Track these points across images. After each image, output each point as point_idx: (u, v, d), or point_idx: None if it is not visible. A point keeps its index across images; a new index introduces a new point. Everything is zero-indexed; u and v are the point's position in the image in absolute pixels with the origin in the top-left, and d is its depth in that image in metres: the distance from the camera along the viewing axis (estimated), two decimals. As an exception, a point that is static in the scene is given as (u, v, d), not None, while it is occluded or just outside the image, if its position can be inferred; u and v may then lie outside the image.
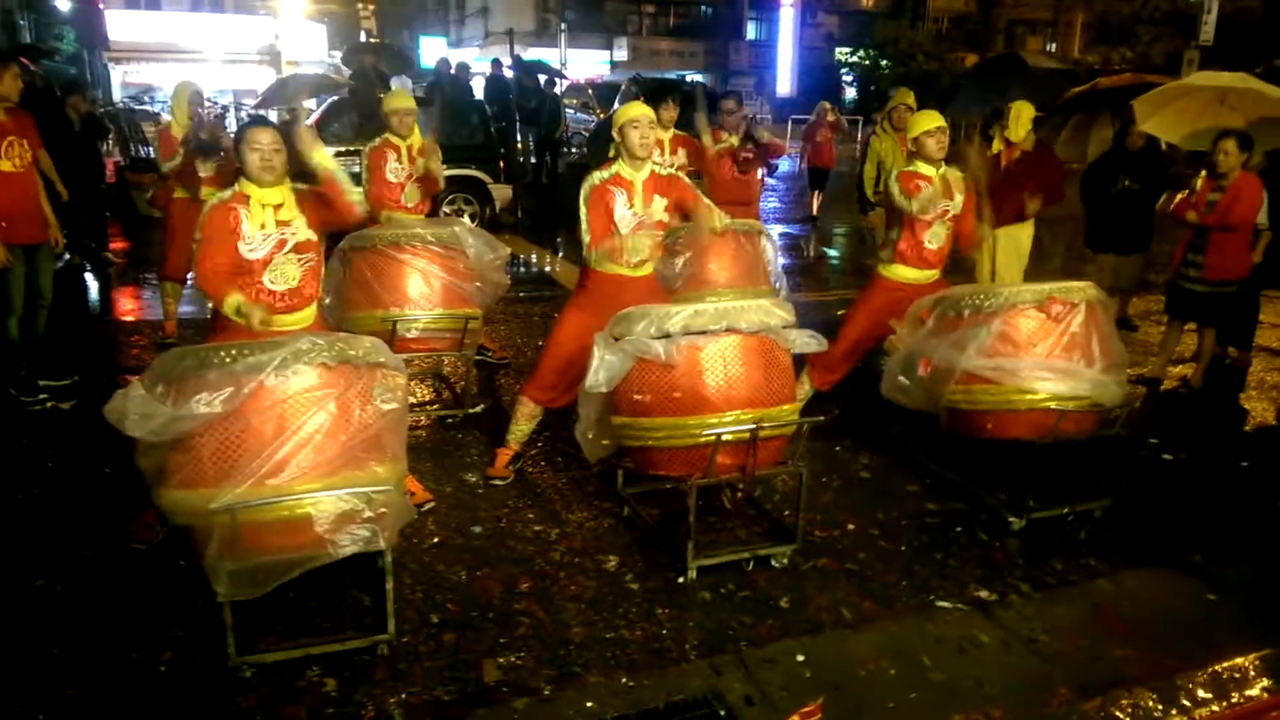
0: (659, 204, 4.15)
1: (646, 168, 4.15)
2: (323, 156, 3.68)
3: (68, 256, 8.38)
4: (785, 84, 35.38)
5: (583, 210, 4.07)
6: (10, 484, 4.27)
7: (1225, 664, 3.11)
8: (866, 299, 4.96)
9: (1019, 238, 6.58)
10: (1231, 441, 5.32)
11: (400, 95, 6.08)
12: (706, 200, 4.26)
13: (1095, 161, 7.41)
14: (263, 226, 3.58)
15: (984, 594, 3.54)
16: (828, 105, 14.65)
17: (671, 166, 4.81)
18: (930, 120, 4.66)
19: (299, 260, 3.66)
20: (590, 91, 23.52)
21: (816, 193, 13.87)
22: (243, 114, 20.20)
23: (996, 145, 6.49)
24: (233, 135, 4.24)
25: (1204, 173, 5.79)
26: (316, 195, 3.72)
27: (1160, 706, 2.87)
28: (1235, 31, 19.67)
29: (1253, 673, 3.06)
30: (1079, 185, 7.30)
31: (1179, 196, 5.87)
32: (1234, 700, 2.92)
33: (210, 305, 3.80)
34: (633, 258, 4.09)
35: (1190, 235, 5.88)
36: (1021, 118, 6.27)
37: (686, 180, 4.32)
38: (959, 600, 3.49)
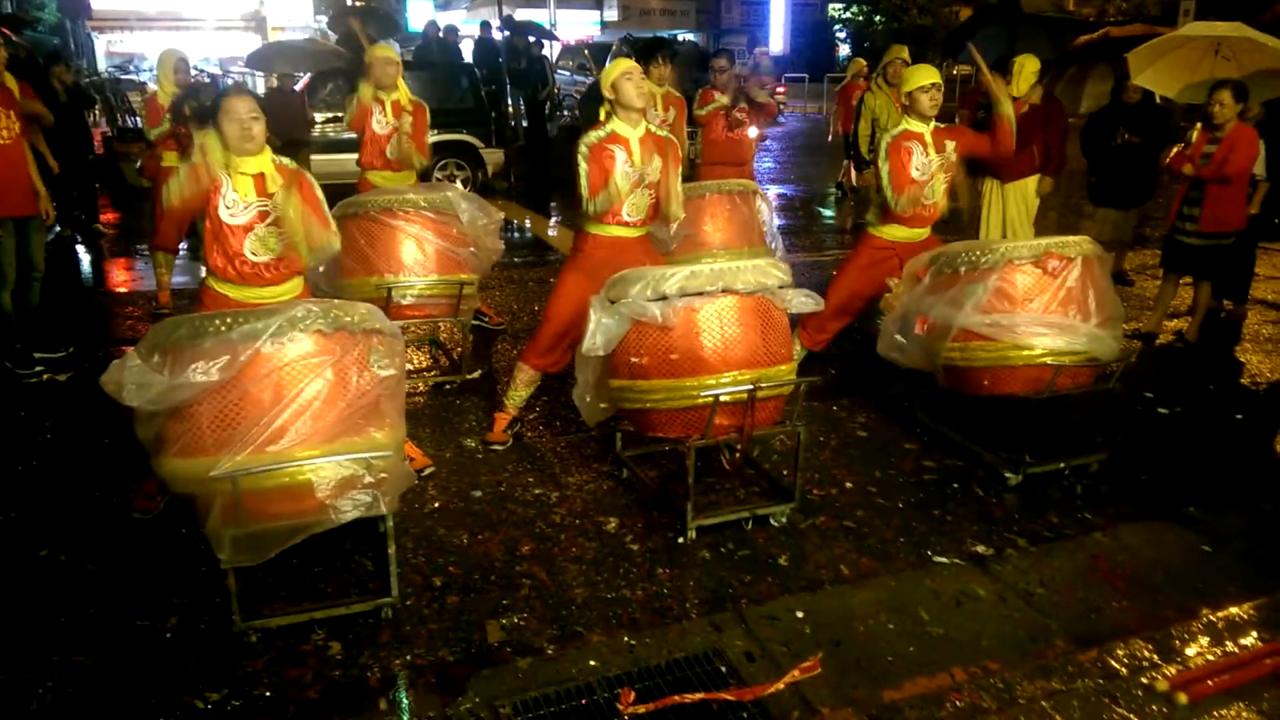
0: (657, 163, 4.12)
1: (642, 125, 4.12)
2: (295, 207, 3.46)
3: (58, 229, 8.33)
4: (777, 41, 34.97)
5: (582, 166, 4.03)
6: (10, 456, 4.28)
7: (1220, 614, 3.14)
8: (856, 257, 4.94)
9: (1027, 192, 6.57)
10: (1227, 394, 5.34)
11: (383, 46, 6.01)
12: (677, 188, 4.22)
13: (1094, 115, 7.36)
14: (245, 197, 3.51)
15: (981, 549, 3.57)
16: (863, 62, 12.37)
17: (663, 125, 4.77)
18: (925, 75, 4.61)
19: (280, 234, 3.57)
20: (586, 52, 23.23)
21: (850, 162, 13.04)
22: (229, 80, 19.95)
23: None
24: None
25: (1199, 125, 5.76)
26: (305, 189, 3.61)
27: (1156, 657, 2.91)
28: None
29: (1248, 622, 3.10)
30: (1079, 139, 7.26)
31: (1175, 149, 5.84)
32: (1229, 649, 2.96)
33: (202, 275, 3.76)
34: (634, 216, 4.08)
35: (1186, 188, 5.85)
36: (1025, 71, 6.21)
37: (676, 152, 4.27)
38: (956, 555, 3.52)
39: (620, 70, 4.05)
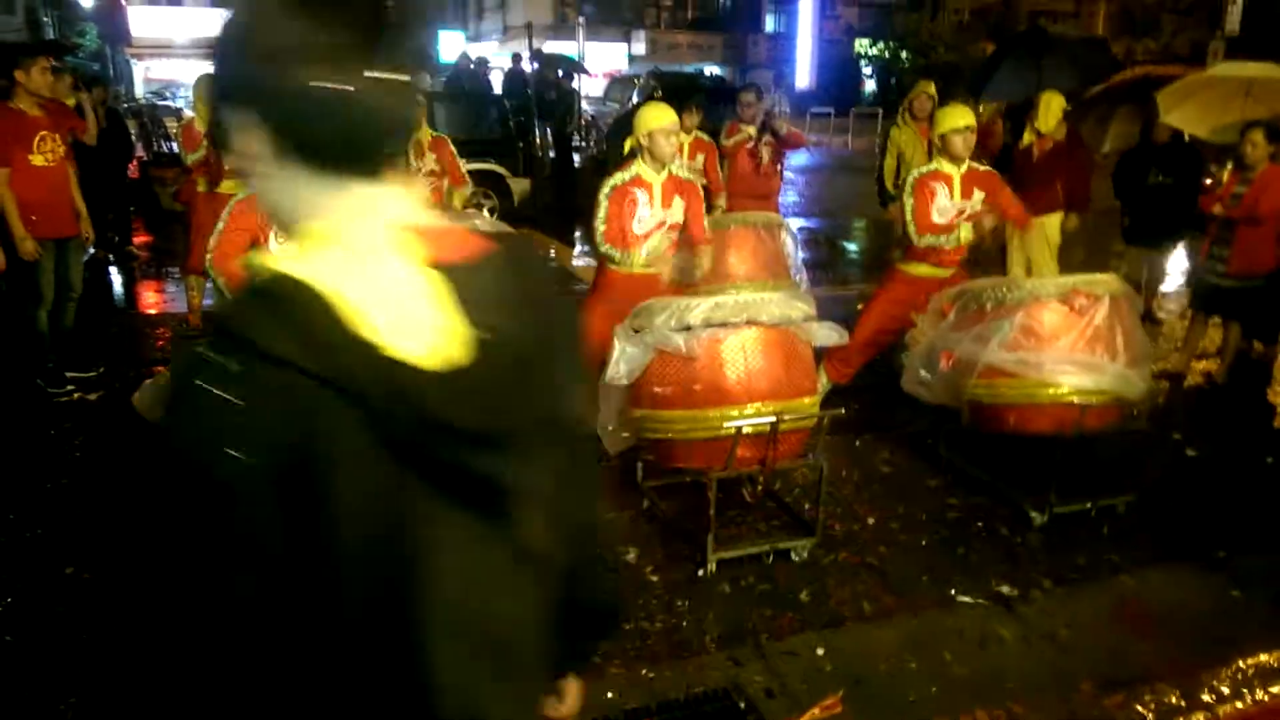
0: (678, 205, 4.17)
1: (665, 170, 4.18)
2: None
3: (93, 250, 8.47)
4: (804, 77, 35.19)
5: (603, 205, 4.08)
6: (39, 474, 4.33)
7: (1250, 660, 3.08)
8: (884, 292, 4.95)
9: (1050, 229, 6.56)
10: (1256, 437, 5.26)
11: None
12: (706, 231, 4.31)
13: (1125, 155, 7.35)
14: None
15: (1005, 589, 3.52)
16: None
17: (690, 171, 4.85)
18: (959, 118, 4.61)
19: None
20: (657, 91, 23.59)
21: None
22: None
23: (1027, 137, 6.46)
24: None
25: (1230, 165, 5.72)
26: None
27: (1183, 702, 2.85)
28: (1262, 21, 19.39)
29: (1278, 669, 3.04)
30: (1110, 179, 7.23)
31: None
32: (1258, 697, 2.89)
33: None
34: (652, 258, 4.13)
35: (1216, 228, 5.81)
36: (1051, 108, 6.23)
37: (699, 196, 4.35)
38: (980, 595, 3.48)
39: (659, 124, 4.09)
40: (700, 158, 6.11)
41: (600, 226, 4.10)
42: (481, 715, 0.93)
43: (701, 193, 4.37)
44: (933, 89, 6.89)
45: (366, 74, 0.85)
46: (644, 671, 2.95)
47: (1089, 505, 4.10)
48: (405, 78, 0.88)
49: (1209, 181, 5.79)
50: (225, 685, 0.86)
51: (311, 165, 0.88)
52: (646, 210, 4.11)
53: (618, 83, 23.69)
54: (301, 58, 0.84)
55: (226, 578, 0.83)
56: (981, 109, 8.03)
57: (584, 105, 22.02)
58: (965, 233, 4.67)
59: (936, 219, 4.58)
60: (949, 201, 4.58)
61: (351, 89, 0.85)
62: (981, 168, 4.73)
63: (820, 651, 3.08)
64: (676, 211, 4.18)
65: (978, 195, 4.66)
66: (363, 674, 0.86)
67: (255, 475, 0.79)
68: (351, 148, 0.88)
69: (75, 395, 5.33)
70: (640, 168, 4.13)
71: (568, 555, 1.04)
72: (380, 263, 0.86)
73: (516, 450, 0.88)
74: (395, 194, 0.92)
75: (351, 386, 0.78)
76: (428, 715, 0.90)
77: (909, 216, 4.60)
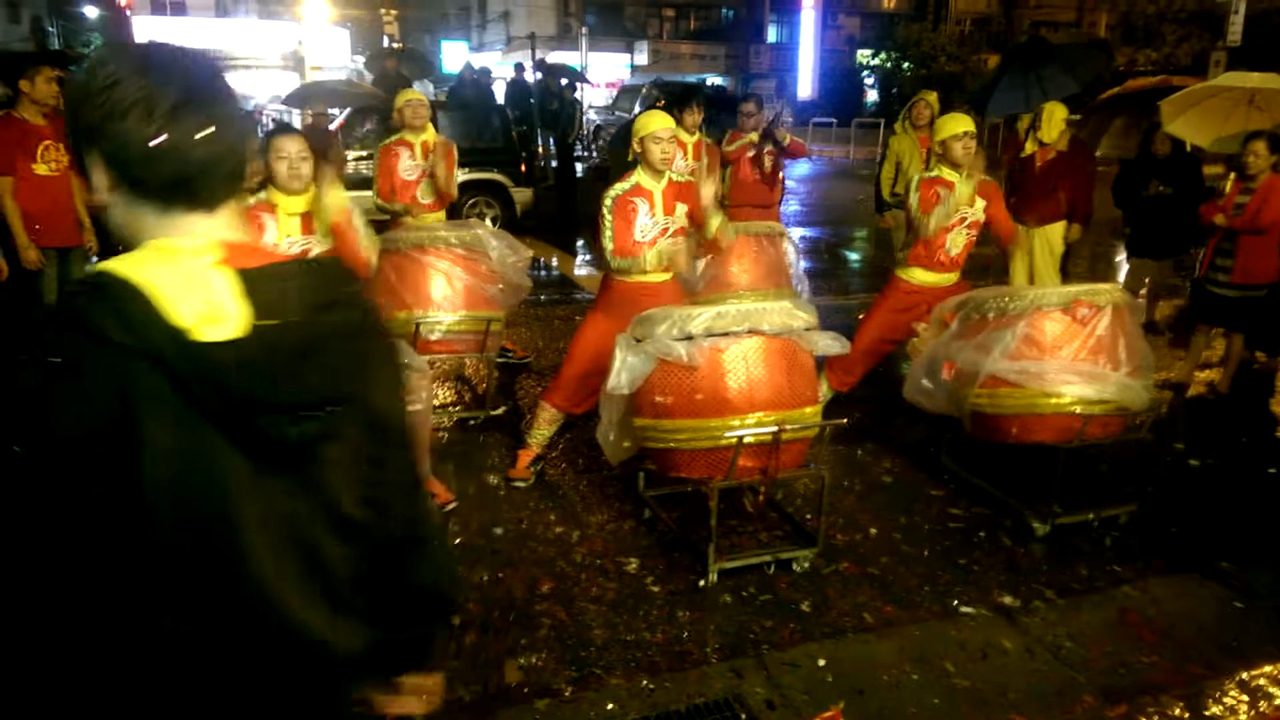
0: (680, 210, 4.16)
1: (665, 176, 4.17)
2: (339, 201, 3.58)
3: (96, 260, 8.49)
4: (806, 87, 35.29)
5: (607, 219, 4.07)
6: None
7: (1254, 672, 3.07)
8: (884, 300, 4.94)
9: (1053, 238, 6.56)
10: (1259, 447, 5.25)
11: (410, 90, 6.11)
12: (718, 215, 4.28)
13: (1125, 166, 7.35)
14: (288, 234, 3.60)
15: (1008, 600, 3.51)
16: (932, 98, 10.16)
17: (693, 174, 4.82)
18: (959, 124, 4.62)
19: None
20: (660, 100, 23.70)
21: None
22: (265, 117, 20.40)
23: (1030, 146, 6.47)
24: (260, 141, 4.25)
25: (1233, 175, 5.73)
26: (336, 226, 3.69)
27: (1188, 715, 2.84)
28: (1264, 32, 19.42)
29: (1282, 681, 3.02)
30: (1108, 189, 7.24)
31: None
32: (1262, 710, 2.88)
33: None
34: (661, 262, 4.11)
35: (1219, 238, 5.81)
36: (1054, 118, 6.24)
37: (698, 192, 4.32)
38: (983, 606, 3.46)
39: (650, 130, 4.07)
40: (704, 160, 6.12)
41: (609, 245, 4.09)
42: (300, 623, 1.13)
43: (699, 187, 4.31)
44: (933, 97, 6.89)
45: (180, 129, 1.09)
46: (644, 683, 2.94)
47: (1091, 516, 4.09)
48: (212, 131, 1.11)
49: (1218, 188, 5.77)
50: (62, 624, 1.05)
51: (140, 197, 1.12)
52: (648, 219, 4.10)
53: (627, 92, 23.79)
54: (132, 115, 1.07)
55: (62, 516, 1.02)
56: (986, 120, 7.98)
57: (591, 115, 22.13)
58: (962, 241, 4.68)
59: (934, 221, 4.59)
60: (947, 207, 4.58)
61: (167, 140, 1.09)
62: (983, 176, 4.73)
63: (822, 662, 3.07)
64: (679, 217, 4.17)
65: (979, 204, 4.66)
66: (191, 595, 1.07)
67: (86, 427, 1.00)
68: (171, 186, 1.11)
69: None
70: (640, 176, 4.13)
71: (386, 531, 1.24)
72: (189, 266, 1.09)
73: (305, 421, 1.10)
74: (214, 219, 1.15)
75: (161, 358, 1.01)
76: (254, 630, 1.10)
77: (915, 208, 4.60)
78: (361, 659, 1.21)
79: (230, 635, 1.10)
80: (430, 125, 5.79)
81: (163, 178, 1.11)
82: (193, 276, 1.08)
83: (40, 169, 5.10)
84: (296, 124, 16.57)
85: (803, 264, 5.98)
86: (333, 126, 11.14)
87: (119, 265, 1.07)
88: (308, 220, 3.61)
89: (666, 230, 4.13)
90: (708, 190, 4.24)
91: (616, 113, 22.36)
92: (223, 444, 1.06)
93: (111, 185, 1.12)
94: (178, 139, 1.10)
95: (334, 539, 1.17)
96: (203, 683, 1.10)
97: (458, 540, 3.85)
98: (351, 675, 1.24)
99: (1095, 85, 8.78)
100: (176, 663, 1.09)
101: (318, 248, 3.60)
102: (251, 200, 3.68)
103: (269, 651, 1.13)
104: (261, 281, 1.10)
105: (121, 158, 1.10)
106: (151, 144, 1.08)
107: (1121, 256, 7.41)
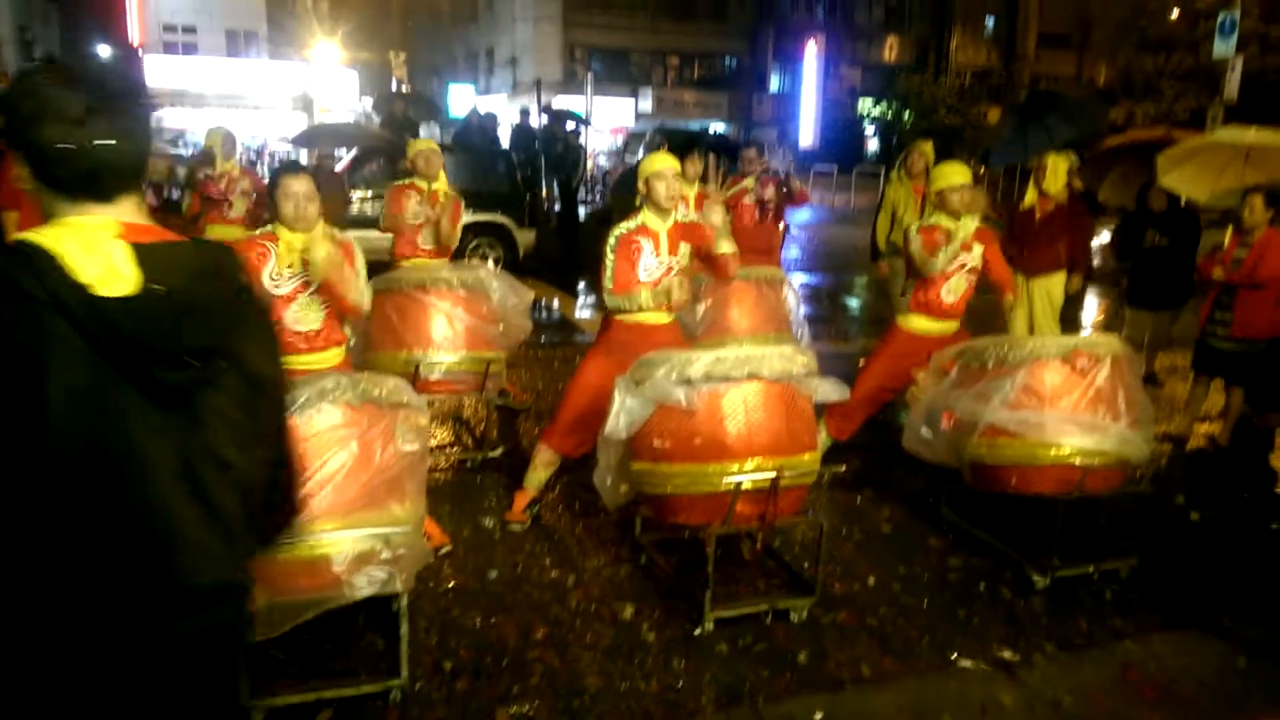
0: (684, 250, 4.18)
1: (671, 217, 4.18)
2: (328, 258, 3.48)
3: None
4: (808, 136, 35.67)
5: (610, 257, 4.08)
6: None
7: (1258, 732, 3.02)
8: (884, 348, 4.95)
9: (1052, 288, 6.59)
10: (1260, 501, 5.22)
11: (424, 140, 6.18)
12: (728, 247, 4.28)
13: (1125, 217, 7.41)
14: (290, 266, 3.60)
15: (1007, 654, 3.47)
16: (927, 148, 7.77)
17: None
18: (957, 175, 4.66)
19: (321, 303, 3.64)
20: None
21: None
22: (268, 152, 20.61)
23: (1030, 198, 6.52)
24: (266, 180, 4.29)
25: (1231, 229, 5.77)
26: (348, 252, 3.69)
27: (1190, 774, 2.78)
28: (1260, 89, 19.67)
29: (1287, 742, 2.98)
30: (1110, 241, 7.29)
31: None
32: (1267, 770, 2.83)
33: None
34: (659, 300, 4.10)
35: (1218, 292, 5.84)
36: (1058, 171, 6.30)
37: (704, 231, 4.34)
38: (982, 659, 3.42)
39: (654, 169, 4.11)
40: (715, 184, 6.16)
41: (608, 283, 4.10)
42: (191, 538, 1.36)
43: (705, 227, 4.33)
44: (928, 147, 6.96)
45: (84, 135, 1.33)
46: (638, 732, 2.89)
47: (1091, 569, 4.05)
48: (114, 142, 1.36)
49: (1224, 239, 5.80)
50: None
51: (51, 188, 1.37)
52: (652, 259, 4.11)
53: (636, 138, 24.14)
54: (45, 120, 1.32)
55: None
56: (984, 172, 8.09)
57: (601, 159, 22.37)
58: (961, 287, 4.70)
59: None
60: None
61: (74, 146, 1.33)
62: (979, 225, 4.76)
63: (819, 715, 3.02)
64: (684, 257, 4.19)
65: (977, 249, 4.69)
66: (92, 504, 1.29)
67: (5, 363, 1.24)
68: (75, 181, 1.36)
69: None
70: (646, 216, 4.15)
71: (257, 476, 1.49)
72: (92, 237, 1.32)
73: (188, 367, 1.33)
74: (116, 207, 1.39)
75: (68, 308, 1.25)
76: (145, 553, 1.34)
77: (918, 251, 4.62)
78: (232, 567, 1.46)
79: (124, 546, 1.32)
80: (442, 174, 5.83)
81: (69, 174, 1.35)
82: (95, 245, 1.31)
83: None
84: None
85: (803, 309, 5.99)
86: (339, 168, 11.26)
87: (35, 235, 1.31)
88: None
89: (670, 270, 4.14)
90: (715, 216, 4.24)
91: (627, 158, 22.64)
92: (119, 382, 1.30)
93: (31, 176, 1.37)
94: (82, 143, 1.33)
95: (217, 473, 1.40)
96: (96, 590, 1.31)
97: (451, 584, 3.81)
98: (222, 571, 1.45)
99: (1096, 135, 8.87)
100: (74, 571, 1.29)
101: (316, 282, 3.58)
102: (258, 231, 3.70)
103: (157, 561, 1.35)
104: (153, 252, 1.34)
105: (35, 156, 1.35)
106: (58, 146, 1.32)
107: (1123, 310, 7.41)
